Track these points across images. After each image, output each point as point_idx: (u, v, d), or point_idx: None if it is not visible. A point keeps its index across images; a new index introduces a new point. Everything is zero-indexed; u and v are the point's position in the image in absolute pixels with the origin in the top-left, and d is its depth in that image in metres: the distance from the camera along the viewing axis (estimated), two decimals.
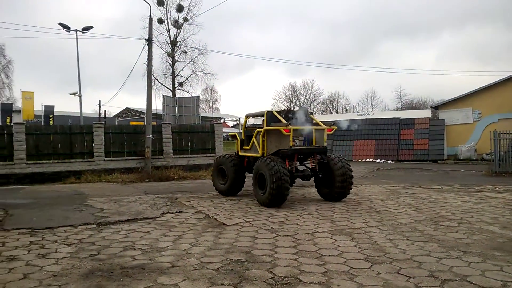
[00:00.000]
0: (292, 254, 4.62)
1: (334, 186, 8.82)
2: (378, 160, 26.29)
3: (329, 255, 4.57)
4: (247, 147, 9.72)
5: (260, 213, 7.36)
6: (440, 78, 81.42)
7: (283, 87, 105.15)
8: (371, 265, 4.20)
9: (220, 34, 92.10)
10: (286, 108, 9.77)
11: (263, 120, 9.35)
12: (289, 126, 8.41)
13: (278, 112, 9.24)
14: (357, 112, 46.51)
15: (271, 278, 3.76)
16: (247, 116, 10.79)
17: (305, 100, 72.16)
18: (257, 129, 9.48)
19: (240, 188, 10.16)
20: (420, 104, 63.06)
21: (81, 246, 5.09)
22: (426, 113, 28.77)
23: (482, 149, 23.75)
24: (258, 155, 9.05)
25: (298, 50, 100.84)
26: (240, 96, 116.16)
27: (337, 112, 66.92)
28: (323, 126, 9.20)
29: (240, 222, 6.54)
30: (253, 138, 9.39)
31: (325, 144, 9.19)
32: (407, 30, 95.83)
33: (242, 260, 4.36)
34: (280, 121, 8.79)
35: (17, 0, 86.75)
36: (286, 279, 3.75)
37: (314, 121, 9.82)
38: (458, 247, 4.93)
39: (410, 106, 62.73)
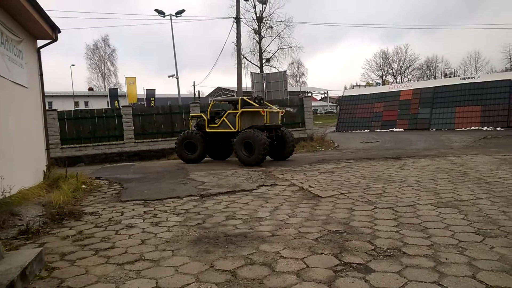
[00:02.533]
0: (393, 226, 4.47)
1: (286, 149, 12.80)
2: (485, 128, 23.92)
3: (434, 228, 4.32)
4: (215, 125, 12.75)
5: (355, 186, 7.22)
6: None
7: (373, 55, 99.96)
8: (483, 239, 3.88)
9: (309, 4, 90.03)
10: (257, 96, 13.63)
11: (233, 104, 13.00)
12: (266, 109, 11.96)
13: (248, 99, 12.54)
14: (459, 76, 42.31)
15: (372, 250, 3.69)
16: (213, 101, 14.55)
17: (398, 67, 67.78)
18: (228, 111, 12.67)
19: (204, 157, 13.38)
20: None
21: (187, 215, 5.51)
22: None
23: None
24: (231, 130, 12.29)
25: (393, 13, 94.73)
26: (329, 68, 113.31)
27: (435, 78, 61.85)
28: (277, 109, 13.00)
29: (335, 194, 6.49)
30: (224, 118, 12.48)
31: (279, 122, 13.02)
32: None
33: (340, 231, 4.35)
34: (251, 105, 12.21)
35: None
36: (388, 250, 3.65)
37: (269, 106, 13.15)
38: None
39: None
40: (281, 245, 3.96)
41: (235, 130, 12.19)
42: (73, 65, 54.45)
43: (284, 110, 13.72)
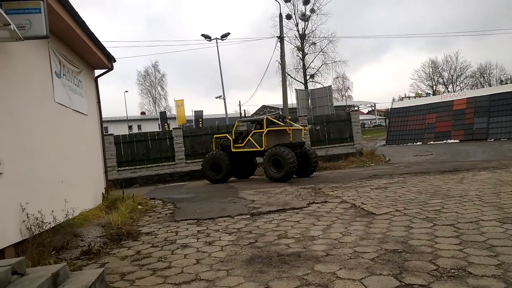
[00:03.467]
0: (455, 244, 4.22)
1: (309, 166, 13.09)
2: None
3: (501, 246, 4.03)
4: (241, 145, 13.10)
5: (411, 202, 6.92)
6: None
7: (421, 64, 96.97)
8: None
9: (352, 18, 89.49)
10: (279, 114, 14.80)
11: (257, 123, 13.45)
12: (290, 127, 12.49)
13: (273, 118, 13.07)
14: None
15: (435, 270, 3.50)
16: (238, 121, 14.98)
17: (449, 75, 65.03)
18: (254, 130, 13.09)
19: (230, 177, 13.75)
20: None
21: (240, 234, 5.54)
22: None
23: None
24: (257, 149, 12.73)
25: (439, 20, 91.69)
26: (375, 80, 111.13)
27: (490, 85, 58.61)
28: (300, 127, 13.43)
29: (390, 211, 6.26)
30: (249, 137, 12.89)
31: (303, 139, 13.41)
32: None
33: (399, 250, 4.17)
34: (276, 124, 12.71)
35: (165, 20, 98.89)
36: (452, 271, 3.44)
37: (292, 124, 13.42)
38: None
39: None
40: (337, 265, 3.86)
41: (261, 149, 12.61)
42: (126, 91, 57.55)
43: (306, 128, 14.37)
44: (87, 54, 8.76)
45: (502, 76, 63.30)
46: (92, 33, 7.94)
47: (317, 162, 13.43)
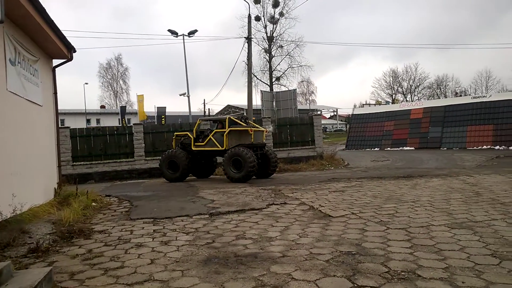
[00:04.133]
0: (406, 248, 4.37)
1: (269, 167, 13.18)
2: (497, 147, 23.59)
3: (449, 250, 4.22)
4: (202, 143, 13.00)
5: (366, 205, 7.12)
6: None
7: (383, 73, 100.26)
8: (500, 262, 3.77)
9: (322, 24, 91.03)
10: (242, 115, 14.94)
11: (219, 123, 13.34)
12: (252, 128, 12.58)
13: (235, 118, 13.12)
14: (470, 95, 42.04)
15: (386, 272, 3.60)
16: (200, 120, 14.76)
17: (408, 85, 67.70)
18: (215, 130, 13.02)
19: (187, 175, 13.54)
20: None
21: (197, 234, 5.46)
22: None
23: None
24: (218, 148, 12.65)
25: (405, 32, 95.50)
26: (339, 86, 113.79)
27: (445, 96, 61.57)
28: (262, 129, 13.59)
29: (346, 214, 6.40)
30: (210, 136, 12.82)
31: (264, 141, 13.46)
32: None
33: (353, 253, 4.26)
34: (238, 124, 12.74)
35: (133, 12, 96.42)
36: (403, 273, 3.56)
37: (255, 125, 13.57)
38: None
39: None
40: (293, 266, 3.89)
41: (222, 149, 12.57)
42: (86, 83, 55.42)
43: (268, 130, 14.53)
44: (46, 43, 8.36)
45: (457, 88, 66.71)
46: (52, 21, 7.59)
47: (276, 163, 13.54)
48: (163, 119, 34.17)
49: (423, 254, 4.12)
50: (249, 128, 12.57)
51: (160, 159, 13.66)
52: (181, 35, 27.59)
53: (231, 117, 13.08)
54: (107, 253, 4.71)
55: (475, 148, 24.49)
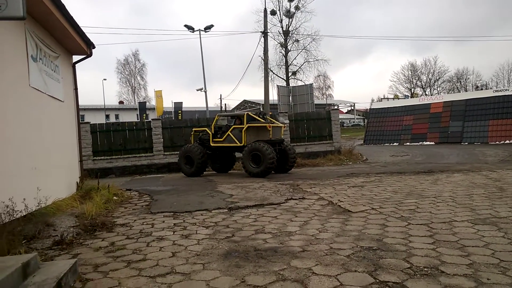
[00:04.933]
0: (428, 244, 4.31)
1: (288, 162, 13.17)
2: None
3: (472, 246, 4.14)
4: (220, 139, 13.01)
5: (386, 201, 7.04)
6: None
7: (401, 67, 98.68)
8: None
9: (339, 18, 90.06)
10: (260, 111, 14.95)
11: (237, 119, 13.26)
12: (270, 124, 12.51)
13: (253, 114, 13.07)
14: (492, 88, 41.03)
15: (408, 268, 3.56)
16: (218, 116, 14.47)
17: (427, 79, 66.48)
18: (234, 126, 12.98)
19: (203, 170, 13.61)
20: None
21: (217, 228, 5.51)
22: None
23: None
24: (236, 144, 12.69)
25: (425, 24, 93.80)
26: (356, 80, 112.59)
27: (466, 90, 60.22)
28: (281, 124, 13.27)
29: (366, 209, 6.35)
30: (229, 132, 12.83)
31: (282, 136, 13.55)
32: None
33: (374, 248, 4.22)
34: (256, 120, 12.62)
35: (150, 8, 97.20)
36: (425, 269, 3.51)
37: (273, 121, 13.16)
38: None
39: None
40: (313, 261, 3.88)
41: (241, 145, 12.61)
42: (105, 79, 56.36)
43: (286, 125, 14.37)
44: (66, 39, 8.50)
45: (478, 82, 65.20)
46: (72, 17, 7.70)
47: (295, 159, 13.53)
48: (179, 114, 34.44)
49: (446, 250, 4.06)
50: (267, 124, 12.54)
51: (178, 154, 13.82)
52: (197, 30, 27.69)
53: (249, 113, 13.09)
54: (130, 246, 4.79)
55: (497, 142, 23.91)
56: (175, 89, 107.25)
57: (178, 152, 14.00)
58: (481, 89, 49.60)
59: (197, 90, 31.07)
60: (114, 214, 6.93)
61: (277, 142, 12.92)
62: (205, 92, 28.94)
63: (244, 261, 3.98)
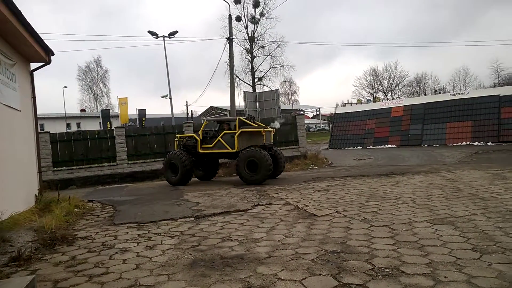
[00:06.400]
0: (390, 245, 4.45)
1: (278, 168, 12.77)
2: (476, 143, 24.14)
3: (431, 246, 4.31)
4: (209, 145, 12.52)
5: (350, 204, 7.20)
6: None
7: (363, 72, 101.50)
8: (481, 255, 3.87)
9: (306, 24, 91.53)
10: (249, 116, 13.93)
11: (226, 124, 12.89)
12: (264, 129, 12.29)
13: (245, 118, 12.72)
14: (449, 92, 42.96)
15: (371, 269, 3.66)
16: (206, 121, 14.12)
17: (388, 83, 68.74)
18: (225, 131, 12.48)
19: (189, 178, 12.93)
20: None
21: (182, 238, 5.44)
22: None
23: None
24: (228, 150, 12.19)
25: (388, 30, 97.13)
26: (322, 85, 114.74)
27: (425, 94, 62.73)
28: (271, 129, 13.04)
29: (331, 213, 6.47)
30: (219, 138, 12.34)
31: (272, 141, 13.11)
32: None
33: (338, 251, 4.31)
34: (249, 125, 12.24)
35: (112, 13, 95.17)
36: (387, 270, 3.62)
37: (263, 126, 12.96)
38: None
39: (511, 81, 56.39)
40: (279, 266, 3.91)
41: (233, 151, 12.10)
42: (65, 86, 54.59)
43: (274, 129, 13.88)
44: (23, 46, 8.19)
45: (436, 86, 68.09)
46: (29, 24, 7.43)
47: (284, 163, 13.26)
48: (143, 122, 33.83)
49: (406, 250, 4.20)
50: (261, 129, 12.22)
51: (163, 162, 13.23)
52: (161, 37, 27.37)
53: (242, 118, 12.54)
54: (91, 259, 4.65)
55: (454, 144, 25.01)
56: (140, 96, 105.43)
57: (145, 161, 13.53)
58: (439, 93, 51.87)
59: (162, 97, 30.66)
60: (76, 227, 6.70)
61: (268, 147, 12.57)
62: (170, 99, 28.60)
63: (210, 270, 3.95)
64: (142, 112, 35.53)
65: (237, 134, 12.06)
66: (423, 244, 4.38)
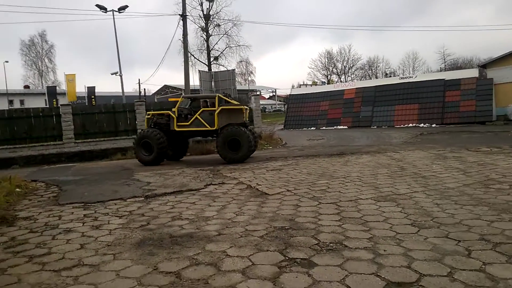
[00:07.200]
0: (336, 221, 4.61)
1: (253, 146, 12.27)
2: (422, 125, 25.45)
3: (374, 221, 4.51)
4: (186, 123, 11.97)
5: (301, 182, 7.37)
6: (496, 34, 76.78)
7: (318, 54, 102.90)
8: (418, 230, 4.11)
9: (264, 4, 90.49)
10: (225, 93, 14.20)
11: (205, 101, 12.53)
12: (245, 106, 12.21)
13: (223, 95, 12.60)
14: (399, 75, 44.68)
15: (316, 244, 3.78)
16: (183, 97, 13.40)
17: (342, 66, 70.27)
18: (203, 108, 12.06)
19: (164, 157, 12.35)
20: (466, 64, 59.79)
21: (131, 217, 5.33)
22: (473, 73, 27.14)
23: None
24: (207, 128, 11.81)
25: (346, 13, 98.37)
26: (279, 67, 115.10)
27: (376, 77, 64.84)
28: (247, 107, 12.82)
29: (282, 191, 6.58)
30: (197, 115, 11.88)
31: (247, 119, 12.73)
32: None
33: (286, 228, 4.41)
34: (229, 102, 12.12)
35: None
36: (331, 244, 3.76)
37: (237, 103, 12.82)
38: (510, 210, 4.72)
39: (455, 66, 59.59)
40: (228, 244, 3.94)
41: (212, 129, 11.77)
42: (6, 61, 50.92)
43: (248, 107, 13.71)
44: None
45: (387, 69, 70.55)
46: None
47: (257, 142, 13.10)
48: (93, 100, 32.42)
49: (350, 226, 4.38)
50: (242, 107, 12.04)
51: (134, 140, 12.49)
52: (110, 11, 26.10)
53: (220, 96, 12.14)
54: (33, 240, 4.45)
55: (402, 126, 26.20)
56: (90, 74, 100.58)
57: (94, 140, 12.85)
58: (390, 77, 53.82)
59: (112, 74, 29.47)
60: (17, 207, 6.36)
61: (246, 125, 12.36)
62: (121, 76, 27.57)
63: (158, 248, 3.91)
64: (91, 90, 33.95)
65: (217, 111, 11.65)
66: (366, 220, 4.58)
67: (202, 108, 12.23)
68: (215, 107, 11.75)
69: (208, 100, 12.55)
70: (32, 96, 53.81)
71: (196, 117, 11.93)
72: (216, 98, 11.94)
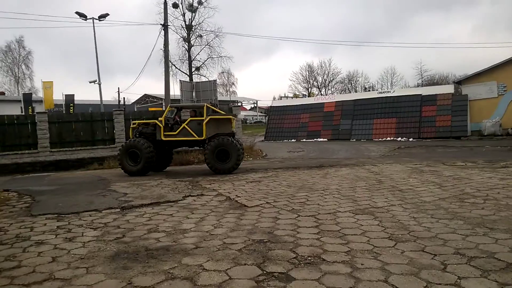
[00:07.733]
0: (314, 234, 4.60)
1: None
2: (399, 139, 25.87)
3: (352, 235, 4.53)
4: (173, 133, 11.75)
5: (280, 195, 7.36)
6: (471, 52, 79.55)
7: (300, 67, 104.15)
8: (395, 244, 4.14)
9: (246, 16, 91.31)
10: (211, 102, 14.24)
11: (192, 111, 12.42)
12: (233, 117, 12.24)
13: (211, 105, 12.35)
14: (377, 90, 45.60)
15: (294, 258, 3.76)
16: (170, 107, 12.99)
17: (323, 79, 71.25)
18: (192, 118, 11.91)
19: (151, 168, 12.04)
20: (442, 80, 61.53)
21: (106, 229, 5.19)
22: (449, 89, 27.94)
23: (507, 124, 23.12)
24: (195, 138, 11.60)
25: (327, 27, 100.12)
26: (261, 78, 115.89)
27: (355, 91, 65.93)
28: (233, 117, 12.68)
29: (261, 204, 6.55)
30: (184, 125, 11.64)
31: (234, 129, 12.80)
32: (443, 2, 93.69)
33: (264, 241, 4.38)
34: (216, 112, 11.89)
35: None
36: (309, 258, 3.74)
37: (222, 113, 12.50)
38: (484, 224, 4.82)
39: (432, 82, 61.20)
40: (205, 257, 3.88)
41: (200, 138, 11.58)
42: None
43: (236, 117, 13.63)
44: None
45: (366, 83, 71.83)
46: None
47: (243, 153, 12.97)
48: (71, 108, 31.79)
49: (328, 239, 4.38)
50: (231, 116, 12.02)
51: (120, 150, 12.12)
52: (90, 19, 25.81)
53: (208, 105, 11.94)
54: (2, 252, 4.29)
55: (380, 139, 26.60)
56: (68, 81, 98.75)
57: (70, 149, 12.53)
58: (368, 91, 54.83)
59: (90, 82, 29.01)
60: None
61: (234, 135, 12.39)
62: (99, 84, 27.15)
63: (133, 262, 3.81)
64: (70, 98, 33.27)
65: (205, 121, 11.50)
66: (344, 233, 4.59)
67: (190, 117, 12.08)
68: (202, 116, 11.65)
69: (196, 109, 12.43)
70: (7, 103, 52.24)
71: (184, 127, 11.70)
72: (205, 107, 11.76)
